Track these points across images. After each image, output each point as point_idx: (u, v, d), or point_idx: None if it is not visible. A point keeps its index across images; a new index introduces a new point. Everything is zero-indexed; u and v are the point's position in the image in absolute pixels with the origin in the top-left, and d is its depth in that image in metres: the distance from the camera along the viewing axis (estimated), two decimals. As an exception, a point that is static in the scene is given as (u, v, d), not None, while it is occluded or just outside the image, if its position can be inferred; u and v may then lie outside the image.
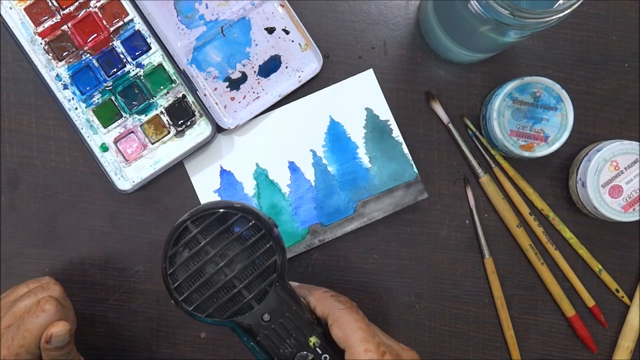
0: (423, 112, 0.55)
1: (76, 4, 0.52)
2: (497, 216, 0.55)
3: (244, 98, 0.54)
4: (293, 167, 0.54)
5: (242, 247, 0.41)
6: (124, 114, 0.53)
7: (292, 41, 0.54)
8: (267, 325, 0.41)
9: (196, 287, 0.40)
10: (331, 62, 0.54)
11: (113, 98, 0.52)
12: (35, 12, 0.52)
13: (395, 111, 0.54)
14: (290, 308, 0.41)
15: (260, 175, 0.54)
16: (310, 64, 0.54)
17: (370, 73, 0.54)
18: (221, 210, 0.41)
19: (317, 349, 0.41)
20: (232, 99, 0.53)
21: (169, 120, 0.53)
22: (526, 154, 0.51)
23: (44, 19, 0.52)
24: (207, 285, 0.41)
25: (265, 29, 0.54)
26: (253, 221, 0.41)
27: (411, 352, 0.42)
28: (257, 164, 0.54)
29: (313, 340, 0.41)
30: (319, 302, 0.42)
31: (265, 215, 0.41)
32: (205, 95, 0.53)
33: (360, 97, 0.54)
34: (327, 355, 0.41)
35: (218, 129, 0.53)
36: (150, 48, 0.52)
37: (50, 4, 0.52)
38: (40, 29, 0.52)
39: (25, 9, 0.52)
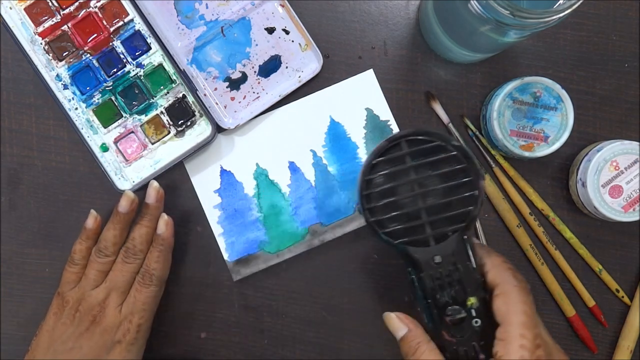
0: (423, 112, 0.55)
1: (76, 4, 0.52)
2: (497, 216, 0.55)
3: (244, 98, 0.54)
4: (293, 167, 0.54)
5: (443, 184, 0.40)
6: (124, 114, 0.53)
7: (292, 41, 0.54)
8: (435, 267, 0.40)
9: (385, 204, 0.40)
10: (331, 62, 0.54)
11: (113, 98, 0.52)
12: (35, 12, 0.52)
13: (396, 111, 0.54)
14: (463, 261, 0.40)
15: (261, 175, 0.54)
16: (310, 64, 0.54)
17: (370, 73, 0.54)
18: (438, 142, 0.40)
19: (472, 310, 0.40)
20: (232, 99, 0.53)
21: (169, 120, 0.53)
22: (526, 154, 0.51)
23: (44, 19, 0.52)
24: (396, 205, 0.40)
25: (266, 29, 0.54)
26: (464, 164, 0.40)
27: (565, 356, 0.40)
28: (257, 164, 0.54)
29: (472, 300, 0.40)
30: (495, 269, 0.41)
31: (479, 164, 0.41)
32: (205, 95, 0.53)
33: (360, 97, 0.54)
34: (478, 320, 0.40)
35: (218, 129, 0.53)
36: (150, 48, 0.52)
37: (50, 4, 0.52)
38: (40, 29, 0.52)
39: (25, 9, 0.52)
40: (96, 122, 0.52)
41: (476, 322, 0.40)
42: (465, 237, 0.40)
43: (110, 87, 0.52)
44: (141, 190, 0.53)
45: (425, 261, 0.40)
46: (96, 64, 0.52)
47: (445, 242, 0.40)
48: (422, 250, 0.40)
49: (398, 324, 0.42)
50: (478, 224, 0.54)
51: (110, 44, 0.52)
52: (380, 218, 0.41)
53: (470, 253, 0.40)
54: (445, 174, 0.41)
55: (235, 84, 0.54)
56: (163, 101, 0.53)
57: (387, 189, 0.41)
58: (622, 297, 0.54)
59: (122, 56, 0.52)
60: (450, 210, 0.40)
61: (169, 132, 0.53)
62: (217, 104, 0.53)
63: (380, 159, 0.41)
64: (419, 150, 0.41)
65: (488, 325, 0.40)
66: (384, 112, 0.54)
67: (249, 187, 0.54)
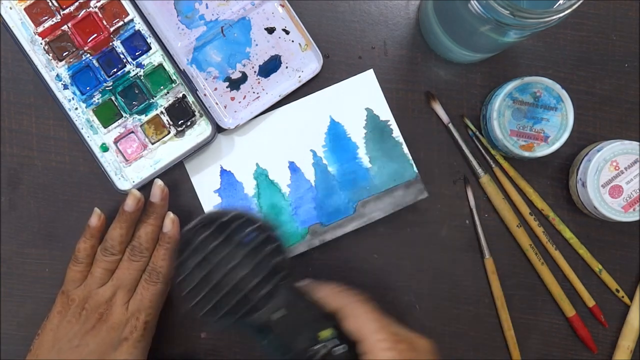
0: (423, 112, 0.55)
1: (76, 4, 0.52)
2: (497, 216, 0.55)
3: (244, 98, 0.54)
4: (293, 167, 0.54)
5: (247, 250, 0.42)
6: (124, 114, 0.53)
7: (292, 41, 0.54)
8: (278, 322, 0.41)
9: (206, 292, 0.41)
10: (331, 62, 0.54)
11: (113, 98, 0.52)
12: (36, 12, 0.52)
13: (396, 111, 0.54)
14: (299, 305, 0.42)
15: (261, 175, 0.54)
16: (310, 64, 0.54)
17: (370, 73, 0.54)
18: (224, 217, 0.42)
19: (331, 341, 0.41)
20: (232, 99, 0.53)
21: (169, 120, 0.53)
22: (526, 154, 0.51)
23: (44, 19, 0.52)
24: (217, 290, 0.42)
25: (266, 29, 0.54)
26: (257, 224, 0.42)
27: (425, 341, 0.42)
28: (257, 164, 0.54)
29: (325, 333, 0.41)
30: (330, 297, 0.42)
31: (267, 219, 0.43)
32: (205, 95, 0.53)
33: (360, 97, 0.54)
34: (344, 345, 0.41)
35: (218, 129, 0.53)
36: (150, 48, 0.52)
37: (50, 4, 0.52)
38: (40, 29, 0.52)
39: (25, 9, 0.52)
40: (96, 122, 0.52)
41: (339, 349, 0.41)
42: (287, 283, 0.42)
43: (110, 87, 0.52)
44: (141, 190, 0.52)
45: (267, 323, 0.41)
46: (96, 64, 0.52)
47: (276, 298, 0.42)
48: (260, 315, 0.41)
49: None
50: (478, 224, 0.54)
51: (110, 44, 0.52)
52: (209, 309, 0.41)
53: (302, 294, 0.42)
54: (245, 240, 0.42)
55: (235, 84, 0.54)
56: (163, 101, 0.53)
57: (200, 280, 0.42)
58: (622, 297, 0.54)
59: (122, 56, 0.52)
60: (265, 268, 0.42)
61: (169, 132, 0.53)
62: (217, 104, 0.53)
63: (181, 258, 0.42)
64: (212, 231, 0.42)
65: (352, 346, 0.41)
66: (384, 112, 0.54)
67: (249, 187, 0.54)
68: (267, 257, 0.42)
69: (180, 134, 0.53)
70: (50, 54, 0.52)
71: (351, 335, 0.41)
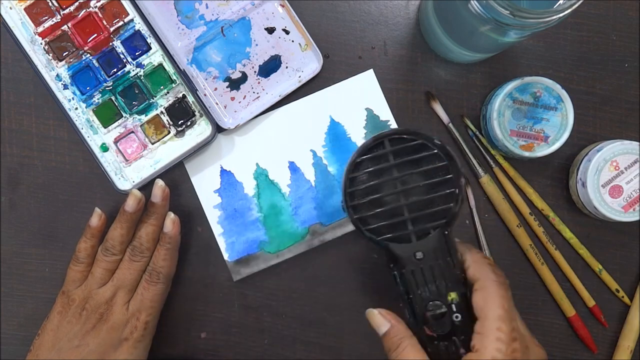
0: (423, 112, 0.55)
1: (76, 4, 0.52)
2: (497, 216, 0.55)
3: (244, 98, 0.54)
4: (293, 167, 0.54)
5: (424, 181, 0.41)
6: (124, 114, 0.53)
7: (292, 41, 0.54)
8: (416, 262, 0.41)
9: (368, 201, 0.41)
10: (331, 62, 0.54)
11: (113, 98, 0.52)
12: (36, 12, 0.52)
13: (396, 111, 0.54)
14: (444, 257, 0.41)
15: (261, 175, 0.54)
16: (310, 64, 0.54)
17: (370, 73, 0.54)
18: (421, 140, 0.41)
19: (453, 305, 0.41)
20: (232, 99, 0.53)
21: (169, 120, 0.53)
22: (526, 154, 0.51)
23: (44, 19, 0.52)
24: (379, 203, 0.41)
25: (266, 29, 0.54)
26: (445, 162, 0.41)
27: (542, 350, 0.41)
28: (257, 164, 0.54)
29: (453, 295, 0.41)
30: (475, 265, 0.41)
31: (459, 163, 0.41)
32: (205, 95, 0.53)
33: (360, 97, 0.54)
34: (459, 315, 0.40)
35: (218, 129, 0.53)
36: (150, 48, 0.52)
37: (50, 4, 0.52)
38: (40, 29, 0.52)
39: (25, 9, 0.52)
40: (96, 122, 0.52)
41: (456, 317, 0.41)
42: (446, 233, 0.41)
43: (110, 87, 0.52)
44: (141, 190, 0.52)
45: (407, 257, 0.41)
46: (96, 64, 0.52)
47: (426, 239, 0.41)
48: (404, 247, 0.41)
49: (380, 319, 0.42)
50: (478, 224, 0.54)
51: (110, 44, 0.52)
52: (363, 215, 0.41)
53: (451, 249, 0.41)
54: (427, 171, 0.41)
55: (235, 84, 0.54)
56: (163, 101, 0.53)
57: (370, 186, 0.41)
58: (622, 297, 0.54)
59: (122, 56, 0.52)
60: (431, 207, 0.41)
61: (169, 132, 0.53)
62: (217, 104, 0.53)
63: (364, 157, 0.41)
64: (402, 148, 0.41)
65: (468, 320, 0.40)
66: (384, 112, 0.54)
67: (249, 187, 0.54)
68: (440, 198, 0.41)
69: (180, 134, 0.53)
70: (50, 54, 0.52)
71: (475, 310, 0.40)
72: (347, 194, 0.41)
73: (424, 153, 0.41)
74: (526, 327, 0.41)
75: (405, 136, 0.41)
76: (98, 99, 0.52)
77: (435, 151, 0.41)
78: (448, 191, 0.41)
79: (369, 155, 0.41)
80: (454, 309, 0.40)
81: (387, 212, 0.41)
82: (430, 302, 0.41)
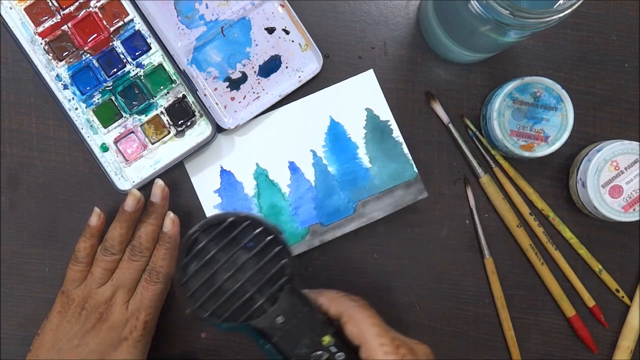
0: (423, 112, 0.55)
1: (76, 4, 0.52)
2: (497, 216, 0.55)
3: (244, 98, 0.54)
4: (293, 167, 0.54)
5: (251, 254, 0.42)
6: (124, 114, 0.53)
7: (292, 41, 0.54)
8: (281, 327, 0.41)
9: (210, 295, 0.42)
10: (331, 62, 0.54)
11: (113, 98, 0.52)
12: (36, 12, 0.52)
13: (396, 111, 0.54)
14: (302, 309, 0.42)
15: (261, 175, 0.54)
16: (310, 64, 0.54)
17: (370, 73, 0.54)
18: (229, 219, 0.42)
19: (331, 348, 0.41)
20: (232, 99, 0.53)
21: (169, 120, 0.53)
22: (526, 154, 0.51)
23: (44, 19, 0.52)
24: (220, 292, 0.42)
25: (266, 29, 0.54)
26: (261, 228, 0.42)
27: (424, 346, 0.42)
28: (257, 164, 0.54)
29: (327, 339, 0.41)
30: (333, 302, 0.42)
31: (270, 222, 0.42)
32: (205, 95, 0.53)
33: (360, 98, 0.54)
34: (342, 353, 0.41)
35: (218, 129, 0.53)
36: (150, 48, 0.52)
37: (50, 4, 0.52)
38: (40, 29, 0.52)
39: (25, 9, 0.52)
40: (96, 122, 0.52)
41: (339, 355, 0.41)
42: (294, 287, 0.42)
43: (110, 87, 0.52)
44: (141, 190, 0.52)
45: (270, 327, 0.41)
46: (96, 64, 0.52)
47: (279, 301, 0.42)
48: (264, 319, 0.42)
49: None
50: (478, 224, 0.54)
51: (110, 44, 0.52)
52: (213, 310, 0.41)
53: (305, 300, 0.42)
54: (249, 244, 0.42)
55: (235, 84, 0.54)
56: (163, 101, 0.53)
57: (204, 282, 0.42)
58: (622, 297, 0.54)
59: (122, 56, 0.52)
60: (269, 271, 0.42)
61: (169, 132, 0.53)
62: (217, 104, 0.53)
63: (185, 260, 0.42)
64: (216, 234, 0.42)
65: (350, 354, 0.41)
66: (384, 112, 0.54)
67: (249, 187, 0.54)
68: (271, 261, 0.42)
69: (180, 134, 0.53)
70: (50, 54, 0.52)
71: (352, 340, 0.41)
72: (187, 299, 0.42)
73: (237, 229, 0.42)
74: (399, 333, 0.42)
75: (213, 223, 0.42)
76: (98, 99, 0.52)
77: (248, 222, 0.42)
78: (276, 250, 0.42)
79: (189, 257, 0.42)
80: (334, 350, 0.41)
81: (231, 297, 0.42)
82: (312, 355, 0.41)
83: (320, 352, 0.41)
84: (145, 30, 0.52)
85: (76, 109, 0.52)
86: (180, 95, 0.52)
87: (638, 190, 0.51)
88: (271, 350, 0.42)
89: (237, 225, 0.42)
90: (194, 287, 0.42)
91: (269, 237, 0.42)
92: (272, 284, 0.42)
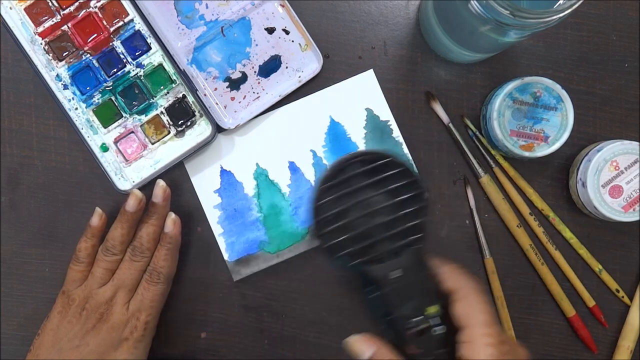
0: (423, 112, 0.55)
1: (76, 4, 0.52)
2: (497, 216, 0.55)
3: (244, 98, 0.54)
4: (293, 167, 0.54)
5: (391, 201, 0.41)
6: (124, 114, 0.53)
7: (292, 41, 0.54)
8: (393, 282, 0.41)
9: (338, 227, 0.41)
10: (331, 62, 0.54)
11: (113, 98, 0.52)
12: (36, 12, 0.52)
13: (396, 111, 0.54)
14: (419, 272, 0.41)
15: (261, 175, 0.54)
16: (310, 64, 0.54)
17: (370, 73, 0.54)
18: (382, 161, 0.41)
19: (434, 319, 0.40)
20: (232, 99, 0.53)
21: (169, 120, 0.53)
22: (526, 154, 0.51)
23: (44, 19, 0.52)
24: (348, 228, 0.41)
25: (266, 29, 0.54)
26: (410, 179, 0.41)
27: (525, 350, 0.41)
28: (257, 164, 0.54)
29: (433, 309, 0.41)
30: (452, 276, 0.42)
31: (420, 177, 0.42)
32: (205, 95, 0.53)
33: (360, 98, 0.54)
34: (442, 327, 0.40)
35: (218, 129, 0.53)
36: (150, 48, 0.52)
37: (50, 4, 0.52)
38: (40, 29, 0.52)
39: (25, 9, 0.52)
40: (96, 122, 0.52)
41: (439, 329, 0.40)
42: (418, 249, 0.41)
43: (110, 87, 0.52)
44: (141, 190, 0.52)
45: (382, 278, 0.41)
46: (96, 64, 0.52)
47: (400, 257, 0.41)
48: (379, 268, 0.41)
49: (362, 345, 0.41)
50: (478, 224, 0.54)
51: (110, 44, 0.52)
52: (335, 241, 0.41)
53: (425, 264, 0.41)
54: (392, 190, 0.41)
55: (235, 84, 0.54)
56: (163, 101, 0.53)
57: (338, 212, 0.41)
58: (622, 297, 0.54)
59: (122, 56, 0.52)
60: (400, 225, 0.41)
61: (169, 132, 0.53)
62: (217, 104, 0.53)
63: (329, 183, 0.41)
64: (365, 171, 0.41)
65: (449, 332, 0.40)
66: (384, 112, 0.54)
67: (249, 187, 0.54)
68: (408, 215, 0.41)
69: (180, 134, 0.53)
70: (50, 54, 0.52)
71: (457, 320, 0.40)
72: (315, 223, 0.41)
73: (387, 173, 0.41)
74: (504, 329, 0.41)
75: (367, 157, 0.41)
76: (98, 99, 0.52)
77: (399, 170, 0.41)
78: (415, 207, 0.41)
79: (333, 182, 0.41)
80: (436, 322, 0.40)
81: (358, 236, 0.41)
82: (411, 319, 0.40)
83: (421, 318, 0.40)
84: (145, 30, 0.52)
85: (76, 109, 0.52)
86: (180, 95, 0.52)
87: (638, 190, 0.51)
88: (374, 301, 0.41)
89: (390, 167, 0.41)
90: (326, 213, 0.41)
91: (415, 192, 0.41)
92: (401, 238, 0.41)
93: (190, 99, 0.52)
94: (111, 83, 0.52)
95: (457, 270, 0.42)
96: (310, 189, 0.54)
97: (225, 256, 0.54)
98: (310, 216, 0.41)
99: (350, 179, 0.41)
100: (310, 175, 0.54)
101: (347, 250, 0.41)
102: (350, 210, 0.41)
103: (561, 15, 0.39)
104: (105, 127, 0.53)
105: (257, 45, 0.54)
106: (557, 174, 0.55)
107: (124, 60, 0.52)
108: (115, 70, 0.52)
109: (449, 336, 0.40)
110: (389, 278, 0.41)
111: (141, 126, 0.53)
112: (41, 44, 0.52)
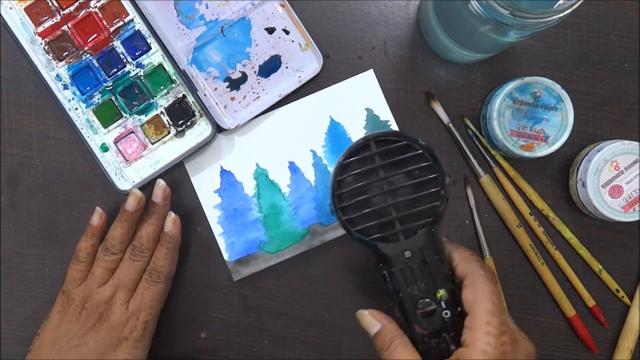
0: (423, 112, 0.55)
1: (76, 4, 0.52)
2: (497, 216, 0.55)
3: (244, 98, 0.54)
4: (293, 167, 0.54)
5: (410, 181, 0.42)
6: (124, 114, 0.53)
7: (292, 41, 0.54)
8: (405, 261, 0.41)
9: (356, 202, 0.42)
10: (331, 62, 0.54)
11: (113, 98, 0.52)
12: (36, 12, 0.52)
13: (396, 111, 0.54)
14: (432, 255, 0.42)
15: (261, 175, 0.54)
16: (310, 64, 0.54)
17: (370, 73, 0.54)
18: (405, 142, 0.42)
19: (442, 302, 0.41)
20: (232, 99, 0.53)
21: (169, 120, 0.53)
22: (526, 154, 0.51)
23: (44, 19, 0.52)
24: (366, 204, 0.42)
25: (266, 29, 0.54)
26: (430, 162, 0.42)
27: (530, 344, 0.41)
28: (257, 164, 0.54)
29: (442, 292, 0.41)
30: (464, 261, 0.42)
31: (441, 160, 0.42)
32: (205, 95, 0.53)
33: (360, 98, 0.54)
34: (448, 312, 0.41)
35: (218, 129, 0.53)
36: (150, 48, 0.52)
37: (50, 4, 0.52)
38: (40, 29, 0.52)
39: (25, 9, 0.52)
40: (96, 122, 0.52)
41: (446, 313, 0.41)
42: (433, 231, 0.42)
43: (110, 87, 0.52)
44: (141, 190, 0.52)
45: (395, 256, 0.42)
46: (96, 64, 0.52)
47: (414, 238, 0.42)
48: (392, 246, 0.42)
49: (371, 320, 0.43)
50: (478, 224, 0.54)
51: (110, 44, 0.52)
52: (352, 217, 0.42)
53: (438, 247, 0.42)
54: (413, 172, 0.42)
55: (235, 84, 0.54)
56: (163, 101, 0.53)
57: (357, 188, 0.42)
58: (622, 297, 0.54)
59: (122, 56, 0.52)
60: (418, 206, 0.42)
61: (169, 132, 0.53)
62: (217, 104, 0.53)
63: (351, 159, 0.42)
64: (388, 150, 0.42)
65: (458, 317, 0.41)
66: (384, 112, 0.54)
67: (249, 187, 0.54)
68: (425, 197, 0.42)
69: (180, 134, 0.53)
70: (50, 54, 0.52)
71: (464, 306, 0.41)
72: (335, 196, 0.42)
73: (409, 154, 0.42)
74: (513, 321, 0.42)
75: (390, 138, 0.42)
76: (98, 99, 0.52)
77: (420, 152, 0.42)
78: (433, 190, 0.42)
79: (355, 158, 0.42)
80: (444, 306, 0.41)
81: (374, 213, 0.42)
82: (420, 300, 0.41)
83: (429, 300, 0.41)
84: (145, 30, 0.52)
85: (76, 109, 0.52)
86: (180, 95, 0.52)
87: (638, 190, 0.51)
88: (386, 278, 0.42)
89: (413, 149, 0.42)
90: (345, 189, 0.42)
91: (434, 175, 0.42)
92: (417, 219, 0.42)
93: (190, 99, 0.52)
94: (111, 83, 0.52)
95: (470, 256, 0.42)
96: (310, 189, 0.54)
97: (225, 256, 0.54)
98: (331, 189, 0.42)
99: (372, 156, 0.42)
100: (310, 175, 0.54)
101: (364, 226, 0.42)
102: (369, 187, 0.42)
103: (561, 15, 0.39)
104: (105, 127, 0.53)
105: (257, 45, 0.54)
106: (557, 174, 0.55)
107: (124, 60, 0.52)
108: (115, 70, 0.52)
109: (458, 320, 0.41)
110: (402, 257, 0.41)
111: (141, 126, 0.53)
112: (41, 44, 0.52)
